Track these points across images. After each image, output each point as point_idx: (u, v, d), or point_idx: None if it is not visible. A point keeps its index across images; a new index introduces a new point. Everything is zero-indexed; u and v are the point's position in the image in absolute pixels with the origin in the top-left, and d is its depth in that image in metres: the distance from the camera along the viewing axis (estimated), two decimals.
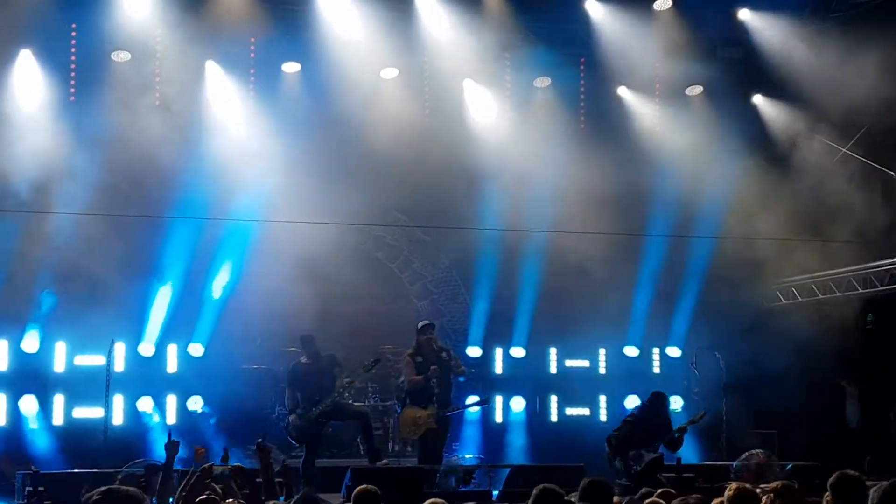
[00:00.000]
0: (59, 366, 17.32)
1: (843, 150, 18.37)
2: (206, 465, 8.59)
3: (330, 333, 16.82)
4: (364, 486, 7.18)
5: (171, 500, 8.76)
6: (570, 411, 19.59)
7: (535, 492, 6.73)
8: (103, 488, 5.26)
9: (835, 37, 17.68)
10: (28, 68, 16.93)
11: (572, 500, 7.21)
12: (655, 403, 15.08)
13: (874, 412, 18.21)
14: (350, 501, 7.24)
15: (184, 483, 8.53)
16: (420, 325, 15.51)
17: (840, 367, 18.81)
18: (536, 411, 19.55)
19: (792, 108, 19.04)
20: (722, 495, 7.23)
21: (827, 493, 6.77)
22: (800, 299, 19.32)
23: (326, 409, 14.64)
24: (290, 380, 15.08)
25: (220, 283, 17.84)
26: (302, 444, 14.92)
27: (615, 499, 7.55)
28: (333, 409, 14.75)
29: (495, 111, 18.81)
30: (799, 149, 18.74)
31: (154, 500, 9.39)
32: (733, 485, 7.47)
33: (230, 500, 8.44)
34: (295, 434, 14.84)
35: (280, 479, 12.45)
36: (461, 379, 16.13)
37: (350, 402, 14.97)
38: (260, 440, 11.17)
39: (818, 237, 18.25)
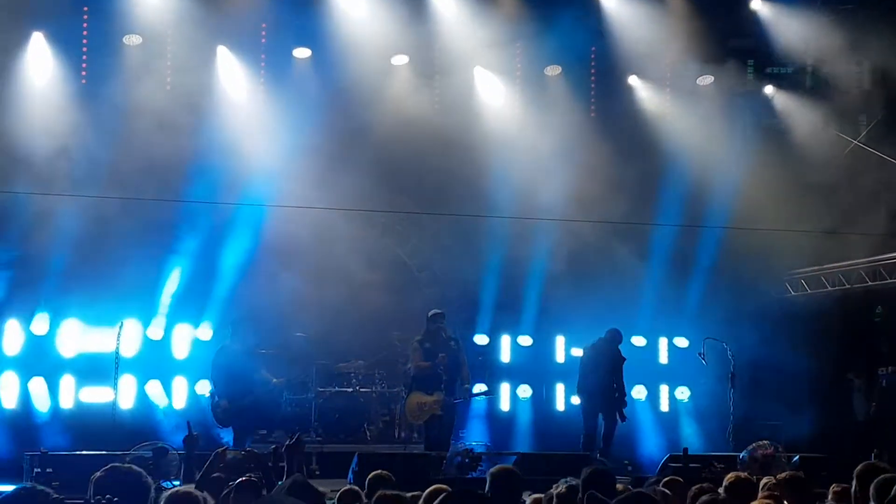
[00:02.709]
0: (68, 348, 17.35)
1: (854, 141, 18.35)
2: (220, 450, 8.66)
3: (338, 320, 16.84)
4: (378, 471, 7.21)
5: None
6: (576, 400, 19.56)
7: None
8: (107, 466, 5.46)
9: (846, 27, 17.64)
10: (40, 51, 16.96)
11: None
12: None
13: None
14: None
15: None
16: (431, 313, 15.43)
17: (848, 360, 18.80)
18: (543, 400, 19.55)
19: (803, 99, 19.02)
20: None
21: (854, 482, 6.83)
22: (809, 291, 19.31)
23: (251, 402, 14.77)
24: (212, 366, 15.23)
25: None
26: (227, 428, 15.03)
27: (618, 486, 7.60)
28: (257, 403, 14.86)
29: (505, 99, 18.81)
30: (809, 140, 18.72)
31: (164, 482, 9.44)
32: (731, 474, 7.55)
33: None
34: (222, 417, 14.97)
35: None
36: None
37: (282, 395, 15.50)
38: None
39: (828, 229, 18.22)
